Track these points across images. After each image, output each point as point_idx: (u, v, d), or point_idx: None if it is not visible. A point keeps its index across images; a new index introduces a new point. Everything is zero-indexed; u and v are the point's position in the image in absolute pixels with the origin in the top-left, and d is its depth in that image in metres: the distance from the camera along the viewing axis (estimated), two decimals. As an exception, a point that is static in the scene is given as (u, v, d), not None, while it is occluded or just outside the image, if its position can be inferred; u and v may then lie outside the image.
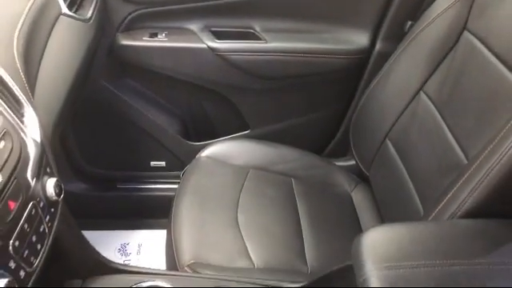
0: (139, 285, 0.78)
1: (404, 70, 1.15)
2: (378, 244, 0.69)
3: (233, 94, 1.34)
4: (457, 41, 1.02)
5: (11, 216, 0.55)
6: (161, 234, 1.17)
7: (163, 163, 1.47)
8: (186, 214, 1.08)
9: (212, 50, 1.24)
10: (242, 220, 1.08)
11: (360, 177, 1.29)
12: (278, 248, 1.04)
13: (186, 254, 0.97)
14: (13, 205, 0.56)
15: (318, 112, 1.39)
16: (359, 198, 1.26)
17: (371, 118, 1.23)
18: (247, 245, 1.02)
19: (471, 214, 0.75)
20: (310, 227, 1.11)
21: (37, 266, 0.60)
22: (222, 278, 0.83)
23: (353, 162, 1.33)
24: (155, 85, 1.34)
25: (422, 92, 1.09)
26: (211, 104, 1.39)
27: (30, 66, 0.80)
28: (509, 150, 0.73)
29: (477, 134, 0.87)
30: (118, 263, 0.85)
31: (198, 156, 1.24)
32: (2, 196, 0.55)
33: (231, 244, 1.02)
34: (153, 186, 1.50)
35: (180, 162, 1.43)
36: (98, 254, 0.85)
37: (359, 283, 0.66)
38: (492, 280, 0.64)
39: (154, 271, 0.85)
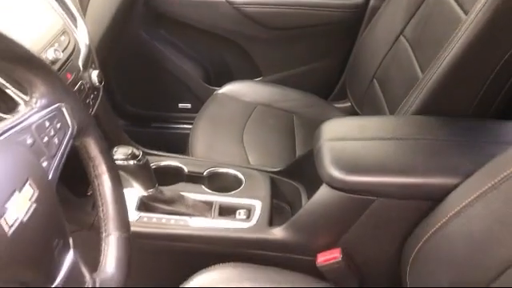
0: (157, 163, 1.04)
1: (389, 19, 1.35)
2: (332, 127, 0.92)
3: (247, 44, 1.57)
4: (430, -10, 1.21)
5: (67, 82, 0.82)
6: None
7: (189, 105, 1.72)
8: (201, 132, 1.34)
9: (229, 3, 1.48)
10: (246, 139, 1.32)
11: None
12: (274, 160, 1.27)
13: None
14: (69, 76, 0.82)
15: (322, 61, 1.60)
16: (351, 132, 1.46)
17: (362, 62, 1.43)
18: (248, 156, 1.26)
19: (417, 113, 0.95)
20: (304, 147, 1.33)
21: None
22: (222, 163, 1.08)
23: (349, 104, 1.54)
24: (182, 35, 1.59)
25: (401, 36, 1.29)
26: (229, 53, 1.63)
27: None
28: (444, 60, 0.93)
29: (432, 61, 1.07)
30: (142, 148, 1.11)
31: (215, 93, 1.49)
32: (63, 68, 0.81)
33: (235, 154, 1.25)
34: (180, 126, 1.76)
35: (202, 104, 1.67)
36: (127, 138, 1.10)
37: (314, 154, 0.88)
38: (415, 149, 0.85)
39: (171, 155, 1.10)
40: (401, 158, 0.83)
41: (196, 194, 0.96)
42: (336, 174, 0.81)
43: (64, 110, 0.57)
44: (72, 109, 0.58)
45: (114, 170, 0.63)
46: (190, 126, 1.75)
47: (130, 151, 0.83)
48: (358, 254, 0.85)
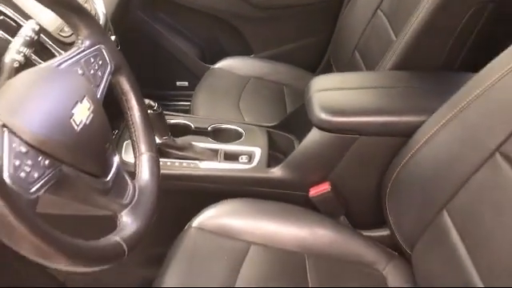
0: (167, 121, 1.17)
1: (366, -5, 1.50)
2: (320, 81, 1.06)
3: (239, 23, 1.71)
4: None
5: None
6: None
7: (186, 83, 1.85)
8: (200, 101, 1.48)
9: (222, -16, 1.62)
10: (242, 106, 1.46)
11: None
12: (268, 120, 1.41)
13: (200, 121, 1.35)
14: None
15: (308, 38, 1.75)
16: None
17: (344, 37, 1.58)
18: (245, 118, 1.40)
19: (392, 69, 1.10)
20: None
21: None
22: (223, 120, 1.21)
23: (334, 76, 1.69)
24: (178, 15, 1.72)
25: (379, 10, 1.44)
26: (223, 32, 1.76)
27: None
28: (413, 23, 1.07)
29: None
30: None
31: (211, 67, 1.63)
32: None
33: (233, 117, 1.39)
34: (178, 103, 1.89)
35: (199, 82, 1.80)
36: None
37: (305, 103, 1.03)
38: (391, 95, 1.00)
39: (178, 114, 1.24)
40: (378, 102, 0.98)
41: (203, 144, 1.09)
42: (323, 116, 0.95)
43: (103, 50, 0.71)
44: (109, 50, 0.71)
45: (143, 103, 0.76)
46: (188, 103, 1.90)
47: (146, 102, 0.96)
48: (344, 186, 1.00)
